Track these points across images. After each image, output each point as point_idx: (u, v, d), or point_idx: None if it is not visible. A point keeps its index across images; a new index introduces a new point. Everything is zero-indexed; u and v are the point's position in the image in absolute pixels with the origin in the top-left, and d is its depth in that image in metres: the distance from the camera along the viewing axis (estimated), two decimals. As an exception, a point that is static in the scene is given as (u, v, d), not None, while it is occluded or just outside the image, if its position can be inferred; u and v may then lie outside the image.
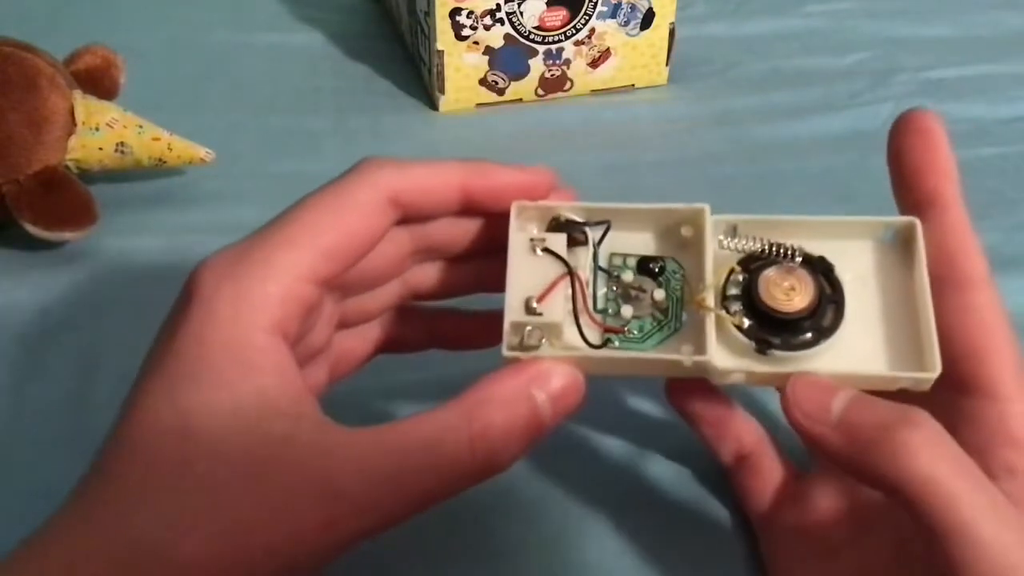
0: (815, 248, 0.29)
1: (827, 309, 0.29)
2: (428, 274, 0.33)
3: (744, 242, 0.29)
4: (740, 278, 0.29)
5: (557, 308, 0.29)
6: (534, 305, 0.29)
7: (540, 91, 0.64)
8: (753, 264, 0.29)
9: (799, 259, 0.29)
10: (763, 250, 0.29)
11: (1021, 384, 0.28)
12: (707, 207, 0.30)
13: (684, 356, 0.28)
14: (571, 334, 0.29)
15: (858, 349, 0.29)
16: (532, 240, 0.30)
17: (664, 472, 0.37)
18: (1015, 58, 0.70)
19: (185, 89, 0.64)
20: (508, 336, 0.28)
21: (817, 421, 0.26)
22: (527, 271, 0.29)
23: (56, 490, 0.31)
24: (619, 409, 0.39)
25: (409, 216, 0.30)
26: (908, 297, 0.29)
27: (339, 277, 0.28)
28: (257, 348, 0.26)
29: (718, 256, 0.30)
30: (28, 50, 0.48)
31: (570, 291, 0.29)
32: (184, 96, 0.63)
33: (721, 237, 0.30)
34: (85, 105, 0.48)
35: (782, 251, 0.29)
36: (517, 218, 0.30)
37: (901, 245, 0.30)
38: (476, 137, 0.61)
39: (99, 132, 0.48)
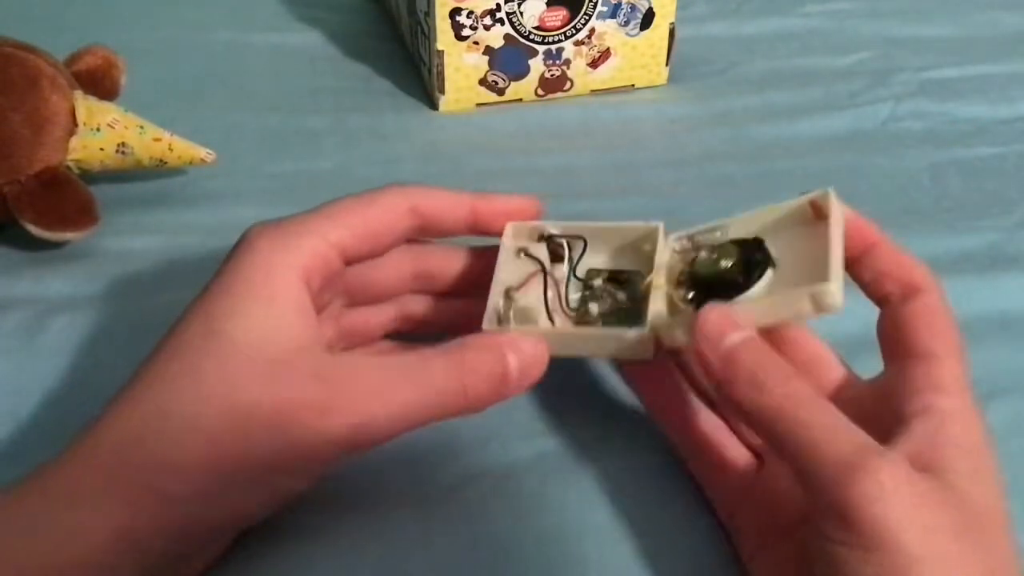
0: (757, 232, 0.34)
1: (753, 271, 0.33)
2: (420, 305, 0.39)
3: (688, 243, 0.36)
4: (687, 270, 0.35)
5: (531, 298, 0.35)
6: (513, 294, 0.35)
7: (540, 91, 0.64)
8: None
9: (728, 237, 0.34)
10: (700, 243, 0.35)
11: (952, 351, 0.31)
12: (661, 225, 0.36)
13: (630, 330, 0.33)
14: (543, 321, 0.35)
15: (779, 294, 0.32)
16: (518, 248, 0.37)
17: (660, 463, 0.37)
18: (1015, 58, 0.70)
19: (185, 89, 0.64)
20: (489, 314, 0.34)
21: (710, 345, 0.30)
22: (511, 270, 0.36)
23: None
24: (615, 405, 0.39)
25: (425, 226, 0.35)
26: (824, 249, 0.32)
27: (358, 256, 0.34)
28: (284, 281, 0.31)
29: (674, 262, 0.35)
30: (29, 51, 0.48)
31: (543, 288, 0.35)
32: (184, 96, 0.63)
33: (675, 247, 0.36)
34: (86, 106, 0.48)
35: (715, 234, 0.35)
36: (509, 234, 0.36)
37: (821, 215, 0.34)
38: (476, 137, 0.61)
39: (100, 133, 0.48)
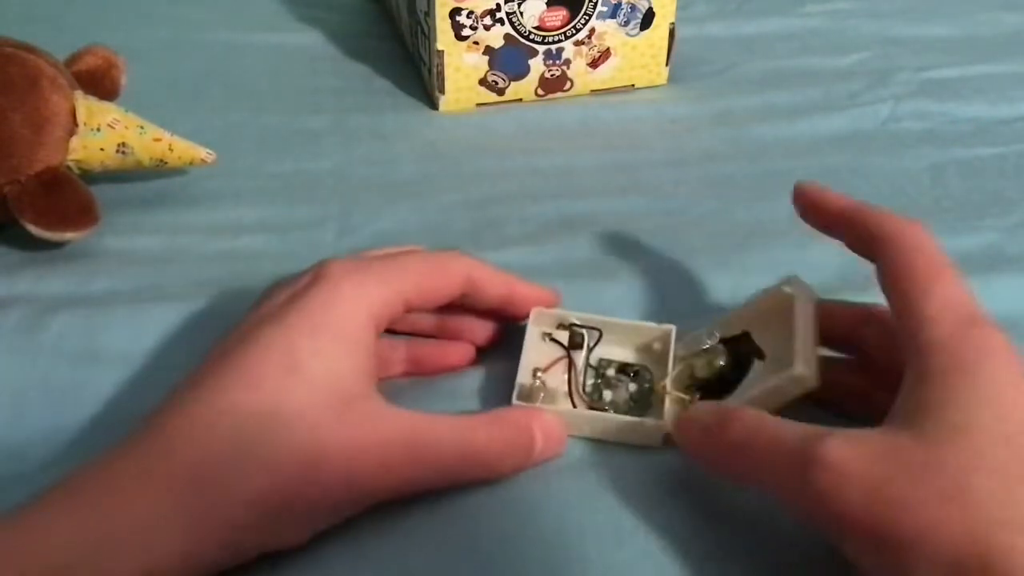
0: (745, 327, 0.39)
1: (744, 365, 0.38)
2: (427, 351, 0.41)
3: (691, 347, 0.39)
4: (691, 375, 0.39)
5: (555, 379, 0.39)
6: (539, 374, 0.39)
7: (540, 91, 0.64)
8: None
9: (715, 340, 0.39)
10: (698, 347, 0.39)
11: (928, 285, 0.32)
12: (673, 329, 0.40)
13: (647, 419, 0.37)
14: (563, 401, 0.38)
15: (758, 389, 0.36)
16: (543, 333, 0.41)
17: (661, 462, 0.37)
18: (1015, 58, 0.70)
19: (185, 89, 0.64)
20: (519, 391, 0.38)
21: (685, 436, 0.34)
22: (537, 352, 0.40)
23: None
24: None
25: (470, 294, 0.39)
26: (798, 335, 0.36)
27: (414, 309, 0.37)
28: (363, 326, 0.34)
29: (682, 366, 0.39)
30: (30, 51, 0.48)
31: (566, 373, 0.39)
32: (184, 96, 0.63)
33: (680, 353, 0.39)
34: (86, 106, 0.48)
35: (706, 339, 0.39)
36: (534, 320, 0.40)
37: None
38: (476, 137, 0.61)
39: (100, 133, 0.48)
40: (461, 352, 0.41)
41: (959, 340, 0.30)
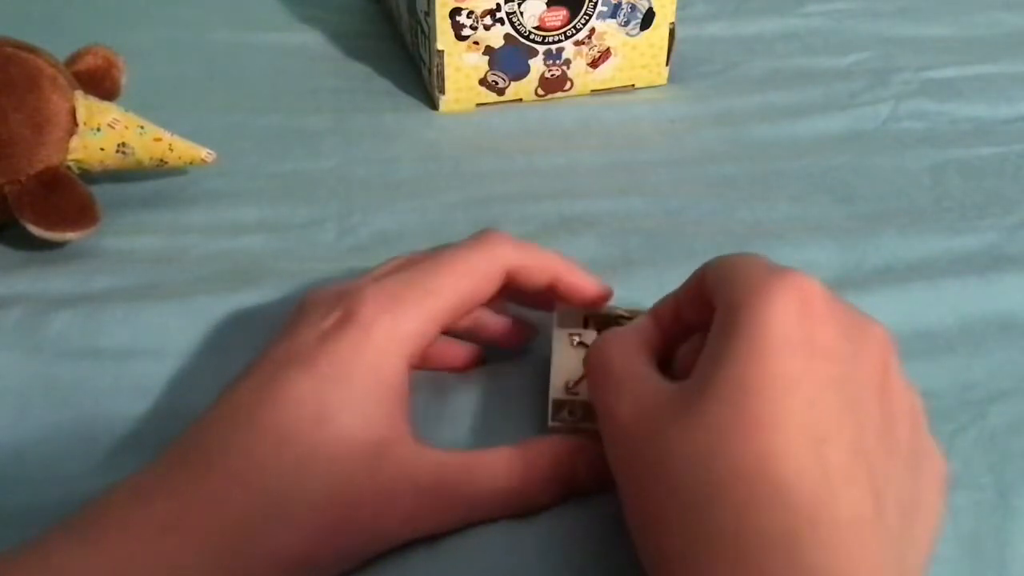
0: None
1: None
2: (454, 350, 0.39)
3: None
4: None
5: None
6: (572, 386, 0.36)
7: (540, 91, 0.64)
8: None
9: None
10: None
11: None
12: None
13: None
14: None
15: None
16: (571, 335, 0.37)
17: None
18: (1015, 58, 0.70)
19: (185, 89, 0.64)
20: (553, 409, 0.35)
21: None
22: (567, 360, 0.36)
23: (55, 494, 0.31)
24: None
25: (510, 286, 0.36)
26: None
27: (449, 324, 0.35)
28: (395, 371, 0.33)
29: None
30: (30, 51, 0.48)
31: None
32: (184, 96, 0.63)
33: None
34: (87, 106, 0.48)
35: None
36: (559, 321, 0.38)
37: None
38: (476, 137, 0.61)
39: (100, 133, 0.48)
40: (464, 354, 0.39)
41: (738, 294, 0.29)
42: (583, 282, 0.37)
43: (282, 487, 0.30)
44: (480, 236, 0.37)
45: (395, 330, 0.33)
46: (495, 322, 0.39)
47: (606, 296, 0.38)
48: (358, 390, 0.31)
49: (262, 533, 0.29)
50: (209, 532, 0.29)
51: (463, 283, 0.35)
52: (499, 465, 0.32)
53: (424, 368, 0.39)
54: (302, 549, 0.29)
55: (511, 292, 0.38)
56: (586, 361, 0.33)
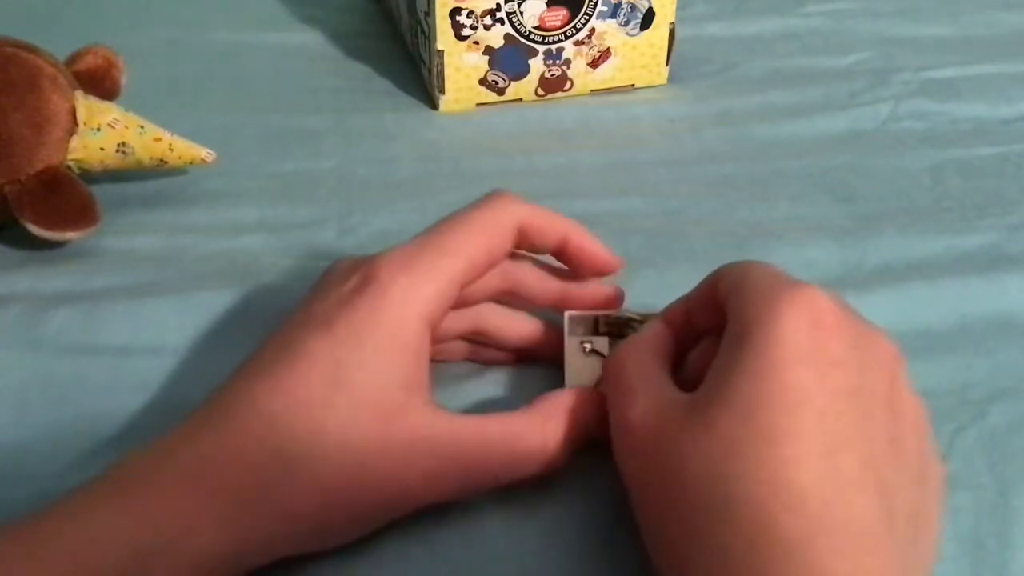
0: None
1: None
2: (495, 318, 0.39)
3: None
4: None
5: None
6: None
7: (540, 91, 0.64)
8: None
9: None
10: None
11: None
12: None
13: None
14: None
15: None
16: (582, 343, 0.37)
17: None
18: (1015, 58, 0.70)
19: (185, 89, 0.64)
20: None
21: None
22: (580, 367, 0.37)
23: (55, 490, 0.31)
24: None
25: (521, 244, 0.36)
26: None
27: (470, 283, 0.35)
28: (413, 331, 0.32)
29: None
30: (30, 50, 0.48)
31: None
32: (184, 96, 0.63)
33: None
34: (87, 105, 0.48)
35: None
36: (570, 328, 0.37)
37: None
38: (476, 137, 0.61)
39: (100, 132, 0.48)
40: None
41: (752, 307, 0.30)
42: (592, 245, 0.37)
43: (295, 447, 0.30)
44: (489, 196, 0.37)
45: (412, 291, 0.33)
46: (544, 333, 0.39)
47: (615, 265, 0.38)
48: (374, 351, 0.32)
49: (275, 490, 0.30)
50: (224, 488, 0.29)
51: (477, 240, 0.35)
52: (516, 424, 0.33)
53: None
54: (313, 509, 0.30)
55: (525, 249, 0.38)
56: (603, 369, 0.33)
